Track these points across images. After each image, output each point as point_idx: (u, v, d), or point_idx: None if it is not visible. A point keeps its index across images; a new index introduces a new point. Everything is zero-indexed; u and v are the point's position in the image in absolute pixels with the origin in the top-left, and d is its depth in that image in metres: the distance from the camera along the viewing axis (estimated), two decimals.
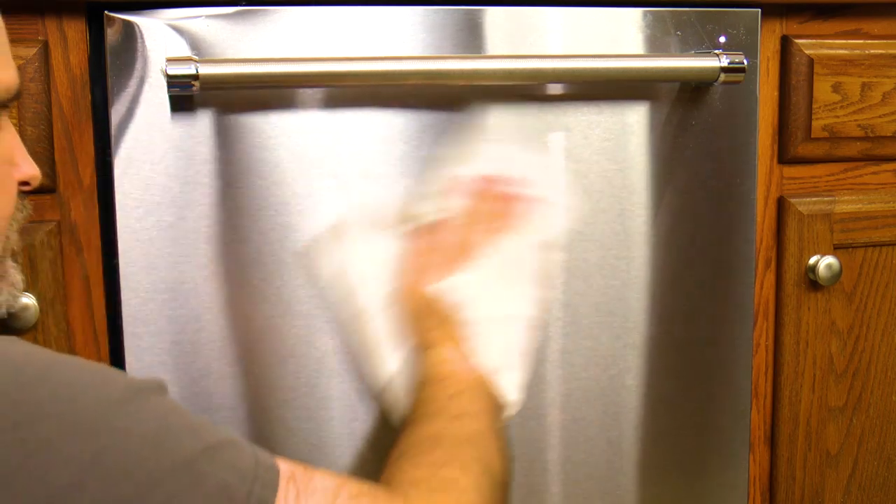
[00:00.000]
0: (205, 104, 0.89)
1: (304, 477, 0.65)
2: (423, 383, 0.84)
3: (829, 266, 1.07)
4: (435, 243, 0.88)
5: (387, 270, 0.89)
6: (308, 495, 0.63)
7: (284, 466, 0.64)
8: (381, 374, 0.90)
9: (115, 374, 0.61)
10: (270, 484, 0.62)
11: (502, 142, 0.94)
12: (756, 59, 1.01)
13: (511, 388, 0.87)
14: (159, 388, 0.62)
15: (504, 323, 0.88)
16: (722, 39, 1.00)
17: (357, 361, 0.93)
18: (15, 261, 0.74)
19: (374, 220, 0.92)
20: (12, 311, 0.74)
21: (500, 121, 0.96)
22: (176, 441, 0.59)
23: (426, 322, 0.86)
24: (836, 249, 1.08)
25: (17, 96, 0.72)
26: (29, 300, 0.87)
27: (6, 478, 0.54)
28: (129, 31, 0.87)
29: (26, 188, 0.74)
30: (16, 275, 0.74)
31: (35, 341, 0.85)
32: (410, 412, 0.83)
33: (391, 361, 0.89)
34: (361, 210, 0.93)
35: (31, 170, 0.74)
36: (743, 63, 0.97)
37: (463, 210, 0.90)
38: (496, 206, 0.90)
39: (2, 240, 0.71)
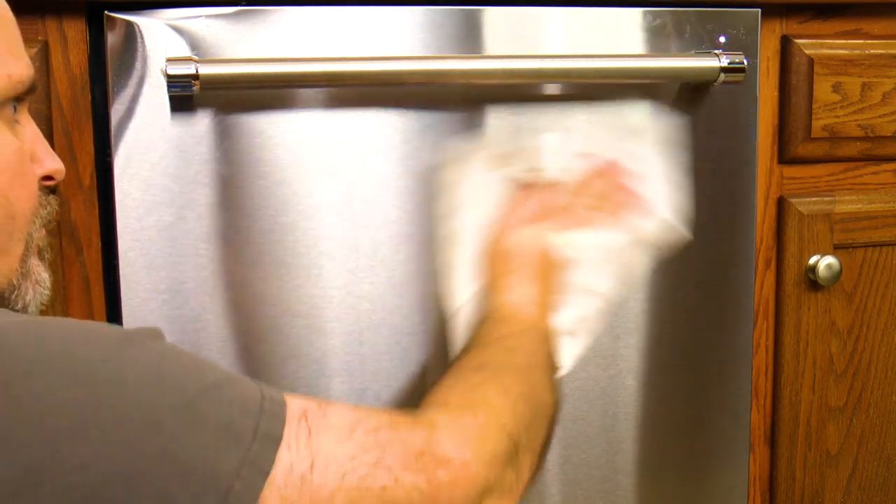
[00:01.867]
0: (205, 104, 0.89)
1: (318, 413, 0.62)
2: (485, 319, 0.83)
3: (829, 266, 1.07)
4: (543, 198, 0.89)
5: (491, 204, 0.90)
6: (321, 432, 0.61)
7: (297, 403, 0.62)
8: (453, 301, 0.90)
9: (109, 327, 0.59)
10: (278, 417, 0.60)
11: (633, 140, 0.95)
12: (756, 59, 1.01)
13: (567, 355, 0.87)
14: (155, 334, 0.61)
15: (584, 294, 0.89)
16: (722, 39, 1.00)
17: (434, 283, 0.93)
18: (41, 258, 0.72)
19: (499, 155, 0.93)
20: (42, 309, 0.72)
21: (500, 121, 0.96)
22: (174, 383, 0.58)
23: (507, 265, 0.86)
24: (836, 249, 1.08)
25: (33, 89, 0.70)
26: None
27: (3, 433, 0.52)
28: (129, 31, 0.87)
29: (50, 183, 0.73)
30: (42, 273, 0.72)
31: None
32: (465, 345, 0.81)
33: (465, 290, 0.89)
34: (491, 143, 0.94)
35: (53, 164, 0.72)
36: (743, 63, 0.97)
37: (579, 180, 0.91)
38: (610, 189, 0.91)
39: (24, 237, 0.69)
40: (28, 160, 0.70)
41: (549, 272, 0.87)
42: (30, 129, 0.71)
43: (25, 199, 0.69)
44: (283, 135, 0.91)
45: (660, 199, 0.93)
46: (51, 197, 0.73)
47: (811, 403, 1.11)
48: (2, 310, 0.60)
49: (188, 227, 0.90)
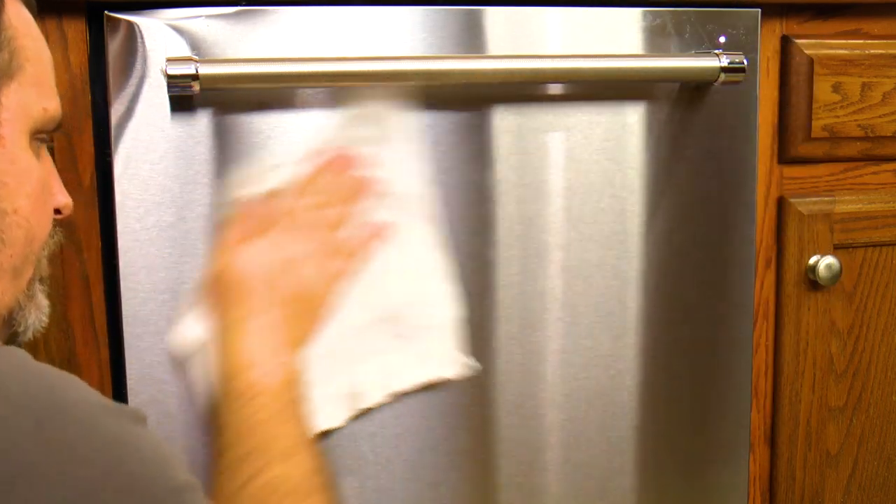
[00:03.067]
0: (205, 104, 0.89)
1: None
2: (227, 398, 0.82)
3: (829, 266, 1.07)
4: (263, 211, 0.86)
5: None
6: None
7: None
8: (188, 342, 0.87)
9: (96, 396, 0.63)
10: None
11: (376, 122, 0.90)
12: (756, 59, 1.01)
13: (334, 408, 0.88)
14: (139, 417, 0.64)
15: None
16: (722, 39, 1.00)
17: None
18: (43, 285, 0.75)
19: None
20: (37, 335, 0.76)
21: (500, 121, 0.96)
22: (171, 468, 0.62)
23: (238, 303, 0.83)
24: (836, 249, 1.08)
25: (59, 127, 0.75)
26: None
27: (28, 473, 0.54)
28: (129, 31, 0.87)
29: (58, 216, 0.76)
30: (43, 299, 0.75)
31: (35, 341, 0.85)
32: (225, 437, 0.80)
33: (195, 332, 0.86)
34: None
35: (64, 198, 0.76)
36: (743, 63, 0.97)
37: (304, 180, 0.86)
38: (337, 181, 0.87)
39: (34, 262, 0.73)
40: (48, 189, 0.74)
41: (285, 301, 0.84)
42: (48, 161, 0.74)
43: (43, 226, 0.73)
44: (283, 135, 0.91)
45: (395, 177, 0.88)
46: (56, 228, 0.76)
47: (811, 403, 1.11)
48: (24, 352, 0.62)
49: (188, 227, 0.90)
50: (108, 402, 0.62)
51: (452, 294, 0.91)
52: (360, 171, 0.87)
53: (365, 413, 0.90)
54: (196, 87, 0.85)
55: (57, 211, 0.76)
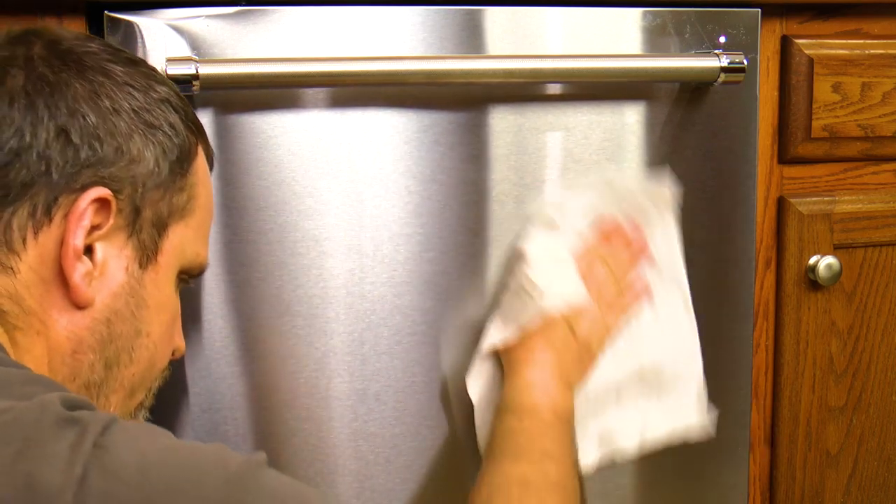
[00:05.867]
0: (205, 104, 0.89)
1: None
2: (506, 410, 0.88)
3: (829, 266, 1.07)
4: (593, 277, 0.94)
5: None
6: None
7: None
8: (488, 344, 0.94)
9: (229, 451, 0.62)
10: None
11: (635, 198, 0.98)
12: (756, 59, 1.01)
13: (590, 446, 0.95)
14: (266, 460, 0.64)
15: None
16: (722, 39, 1.00)
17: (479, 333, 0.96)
18: (144, 412, 0.79)
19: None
20: None
21: (500, 121, 0.96)
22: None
23: (538, 324, 0.90)
24: (836, 249, 1.08)
25: (201, 275, 0.81)
26: None
27: None
28: (129, 31, 0.87)
29: (171, 357, 0.80)
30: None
31: None
32: (492, 443, 0.88)
33: (488, 342, 0.93)
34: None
35: (182, 342, 0.80)
36: (743, 63, 0.97)
37: (592, 241, 0.95)
38: (621, 246, 0.96)
39: (148, 388, 0.77)
40: (177, 326, 0.79)
41: (573, 343, 0.91)
42: (178, 301, 0.78)
43: (164, 356, 0.77)
44: (282, 135, 0.91)
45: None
46: (167, 370, 0.80)
47: (811, 403, 1.11)
48: (149, 427, 0.63)
49: None
50: (221, 457, 0.60)
51: (699, 351, 0.98)
52: (637, 238, 0.96)
53: (615, 459, 0.96)
54: (196, 87, 0.85)
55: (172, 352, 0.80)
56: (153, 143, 0.72)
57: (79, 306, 0.69)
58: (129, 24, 0.87)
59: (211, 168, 0.81)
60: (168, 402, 0.90)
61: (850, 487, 1.14)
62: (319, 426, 0.95)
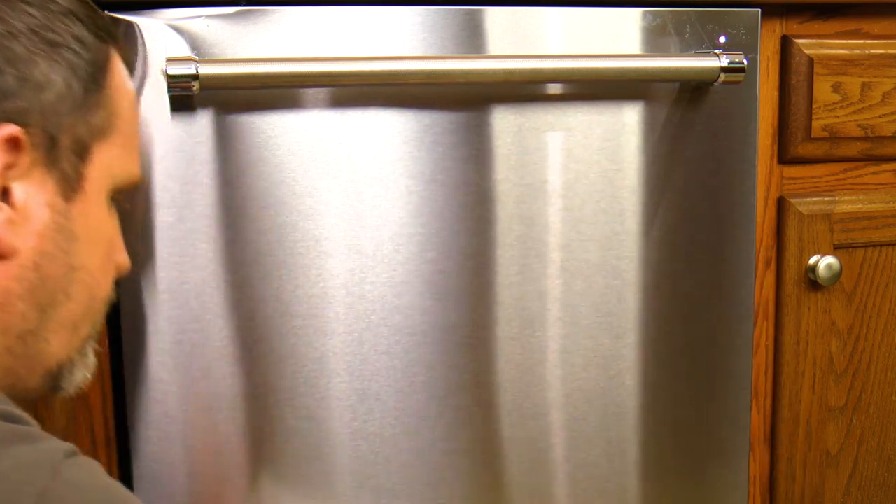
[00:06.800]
0: (205, 104, 0.89)
1: None
2: None
3: (829, 266, 1.07)
4: None
5: None
6: None
7: None
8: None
9: None
10: None
11: None
12: (756, 59, 1.01)
13: None
14: None
15: None
16: (722, 39, 1.00)
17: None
18: (93, 341, 0.74)
19: None
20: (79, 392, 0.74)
21: (500, 121, 0.96)
22: None
23: None
24: (836, 249, 1.08)
25: (136, 188, 0.75)
26: None
27: None
28: (129, 31, 0.87)
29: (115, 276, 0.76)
30: (92, 356, 0.74)
31: None
32: None
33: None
34: None
35: (125, 259, 0.75)
36: (743, 63, 0.97)
37: None
38: None
39: (93, 320, 0.72)
40: (114, 247, 0.73)
41: None
42: (115, 220, 0.73)
43: (106, 284, 0.72)
44: (282, 135, 0.91)
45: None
46: (113, 287, 0.74)
47: (811, 403, 1.11)
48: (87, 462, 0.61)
49: (188, 227, 0.90)
50: None
51: None
52: None
53: None
54: (196, 87, 0.85)
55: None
56: (59, 63, 0.64)
57: (2, 257, 0.63)
58: (129, 24, 0.87)
59: (132, 71, 0.73)
60: (168, 401, 0.90)
61: (850, 487, 1.14)
62: (319, 426, 0.95)
